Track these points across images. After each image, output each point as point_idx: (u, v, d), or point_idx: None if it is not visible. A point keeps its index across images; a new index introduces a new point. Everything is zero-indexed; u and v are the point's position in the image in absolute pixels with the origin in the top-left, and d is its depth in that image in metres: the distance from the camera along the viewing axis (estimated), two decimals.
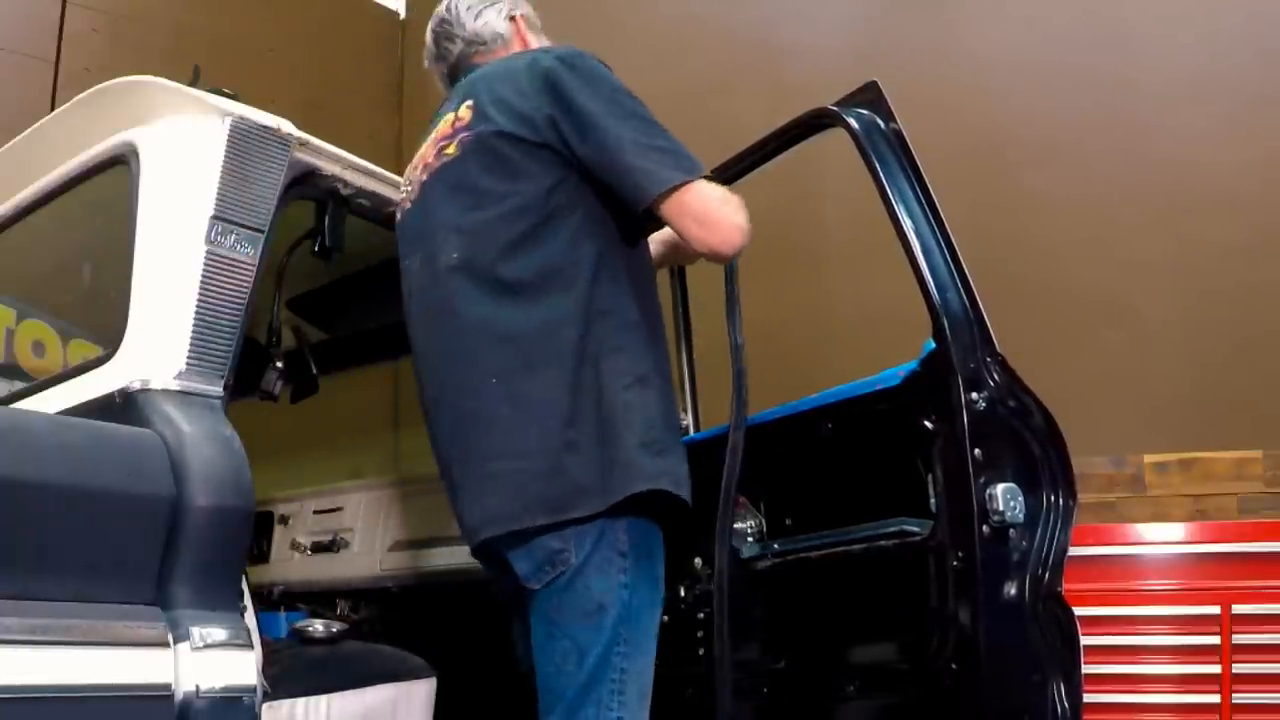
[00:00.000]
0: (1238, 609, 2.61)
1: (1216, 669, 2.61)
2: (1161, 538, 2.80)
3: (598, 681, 1.55)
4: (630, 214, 1.65)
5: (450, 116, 1.76)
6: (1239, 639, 2.60)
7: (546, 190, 1.63)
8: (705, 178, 1.61)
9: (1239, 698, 2.59)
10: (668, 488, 1.58)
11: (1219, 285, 3.20)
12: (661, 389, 1.64)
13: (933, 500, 1.69)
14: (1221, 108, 3.29)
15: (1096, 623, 2.60)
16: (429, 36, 1.97)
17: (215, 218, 1.64)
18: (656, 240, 2.03)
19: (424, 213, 1.74)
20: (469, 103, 1.72)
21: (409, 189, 1.81)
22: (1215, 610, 2.63)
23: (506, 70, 1.72)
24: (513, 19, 1.92)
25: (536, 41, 1.93)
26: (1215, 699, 2.61)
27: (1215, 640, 2.62)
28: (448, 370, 1.67)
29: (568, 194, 1.63)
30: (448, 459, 1.68)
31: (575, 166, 1.63)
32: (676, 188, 1.58)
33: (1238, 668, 2.60)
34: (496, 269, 1.62)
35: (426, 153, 1.78)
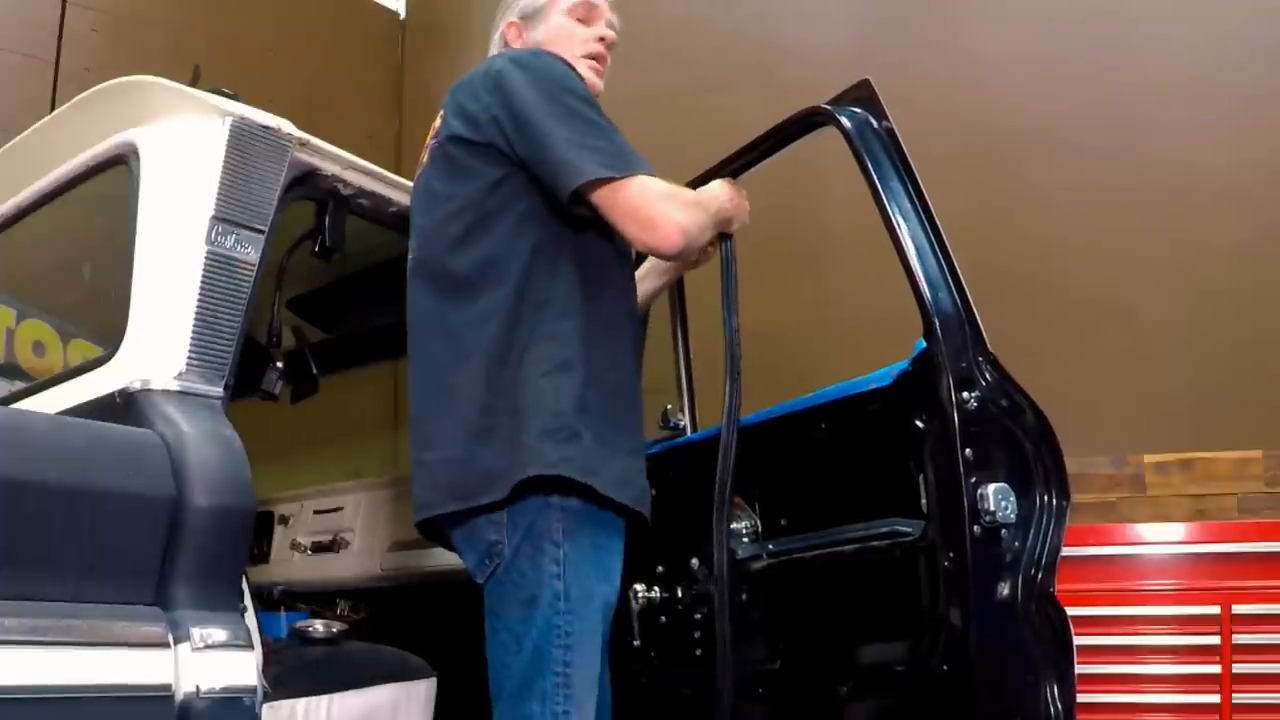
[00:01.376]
0: (1238, 609, 2.61)
1: (1216, 669, 2.61)
2: (1161, 538, 2.80)
3: (538, 674, 1.56)
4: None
5: (433, 127, 1.80)
6: (1239, 639, 2.60)
7: (489, 187, 1.65)
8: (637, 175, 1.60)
9: (1239, 698, 2.58)
10: (572, 475, 1.56)
11: (1219, 285, 3.20)
12: (590, 379, 1.62)
13: (924, 500, 1.69)
14: (1222, 107, 3.29)
15: (1096, 623, 2.60)
16: None
17: (215, 218, 1.65)
18: (651, 270, 2.07)
19: (411, 214, 1.81)
20: (442, 113, 1.77)
21: None
22: (1215, 610, 2.62)
23: (468, 78, 1.75)
24: (509, 26, 1.91)
25: (529, 33, 1.89)
26: (1215, 699, 2.60)
27: (1215, 640, 2.62)
28: (410, 366, 1.73)
29: (510, 190, 1.65)
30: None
31: (518, 163, 1.65)
32: (605, 181, 1.58)
33: (1238, 668, 2.59)
34: (443, 263, 1.67)
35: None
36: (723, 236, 1.88)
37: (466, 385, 1.61)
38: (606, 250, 1.71)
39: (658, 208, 1.60)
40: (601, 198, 1.60)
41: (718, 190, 1.83)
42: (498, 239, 1.64)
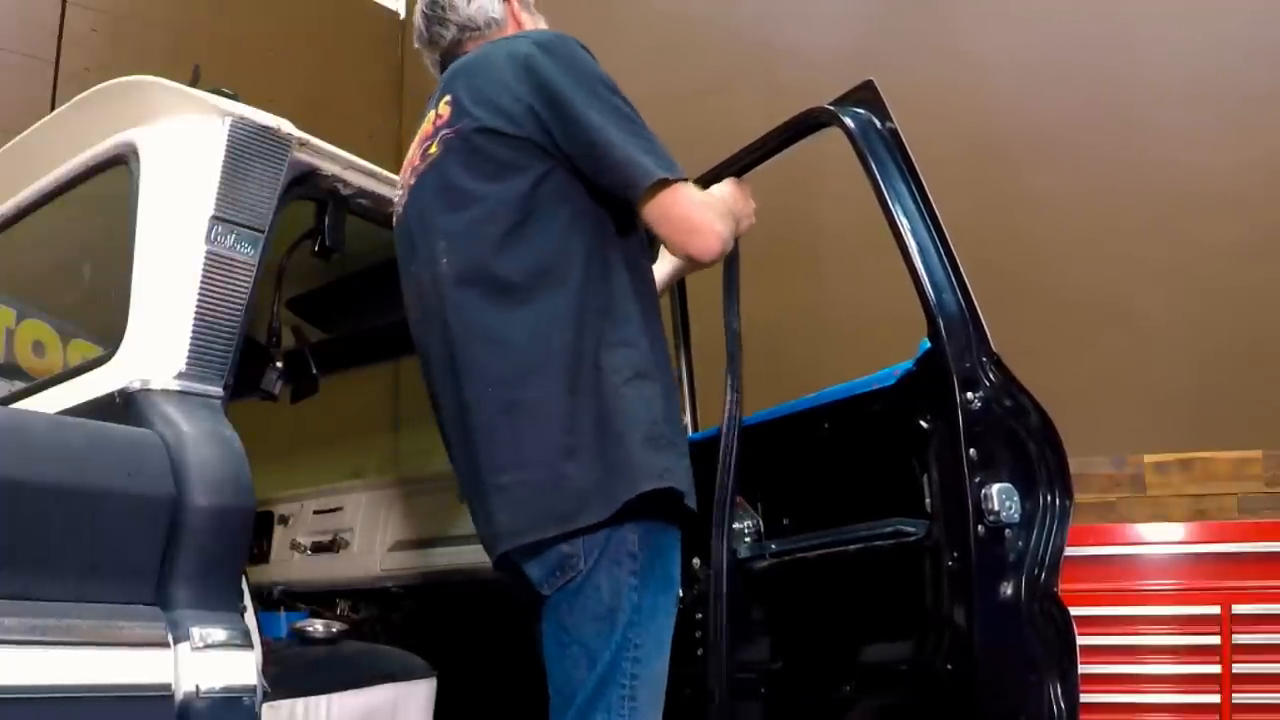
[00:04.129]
0: (1238, 609, 2.61)
1: (1216, 669, 2.61)
2: (1161, 538, 2.80)
3: (607, 687, 1.53)
4: (620, 206, 1.61)
5: (431, 114, 1.71)
6: (1239, 639, 2.61)
7: (531, 185, 1.57)
8: (683, 180, 1.58)
9: (1239, 698, 2.59)
10: (673, 484, 1.53)
11: (1219, 285, 3.20)
12: (663, 383, 1.59)
13: (928, 500, 1.69)
14: (1221, 108, 3.29)
15: (1097, 623, 2.61)
16: (419, 19, 1.87)
17: (215, 218, 1.64)
18: (665, 262, 2.02)
19: (417, 216, 1.71)
20: (448, 98, 1.67)
21: (401, 192, 1.78)
22: (1215, 610, 2.63)
23: (484, 61, 1.67)
24: (506, 1, 1.83)
25: (531, 21, 1.86)
26: (1215, 699, 2.61)
27: (1215, 640, 2.62)
28: (449, 380, 1.63)
29: (554, 188, 1.58)
30: (458, 471, 1.66)
31: (559, 159, 1.58)
32: (657, 188, 1.55)
33: (1238, 668, 2.60)
34: (489, 267, 1.58)
35: (414, 154, 1.75)
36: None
37: (541, 401, 1.53)
38: (640, 248, 1.68)
39: (701, 215, 1.57)
40: (650, 205, 1.56)
41: (727, 193, 1.80)
42: (548, 242, 1.57)
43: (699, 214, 1.58)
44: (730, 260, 1.89)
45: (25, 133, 1.96)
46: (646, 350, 1.59)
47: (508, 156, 1.59)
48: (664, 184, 1.55)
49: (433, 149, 1.68)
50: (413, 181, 1.72)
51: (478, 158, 1.61)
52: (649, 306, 1.66)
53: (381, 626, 2.86)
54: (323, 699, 2.03)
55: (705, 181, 1.96)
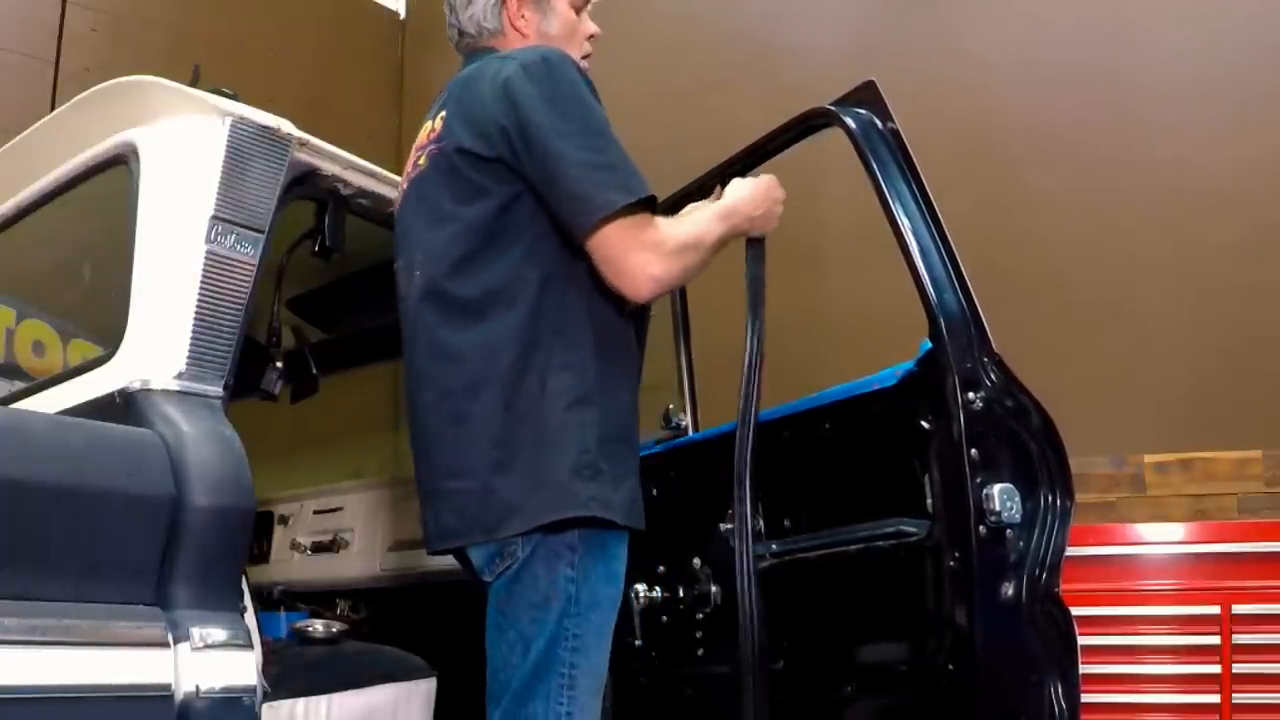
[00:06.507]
0: (1238, 609, 2.62)
1: (1216, 669, 2.61)
2: (1161, 538, 2.80)
3: (544, 675, 1.56)
4: None
5: (428, 125, 1.75)
6: (1239, 639, 2.61)
7: (500, 208, 1.61)
8: (648, 211, 1.58)
9: (1239, 698, 2.59)
10: (596, 513, 1.57)
11: (1219, 285, 3.20)
12: (607, 409, 1.61)
13: (929, 501, 1.69)
14: (1222, 107, 3.29)
15: (1097, 623, 2.61)
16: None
17: (215, 218, 1.64)
18: None
19: (406, 222, 1.76)
20: (442, 113, 1.71)
21: (399, 193, 1.82)
22: (1215, 610, 2.63)
23: (476, 78, 1.69)
24: (504, 5, 1.80)
25: (538, 19, 1.81)
26: (1215, 699, 2.61)
27: (1215, 640, 2.62)
28: (414, 384, 1.70)
29: (521, 211, 1.61)
30: (415, 466, 1.73)
31: (527, 181, 1.61)
32: (601, 224, 1.55)
33: (1238, 668, 2.60)
34: (446, 286, 1.63)
35: (411, 160, 1.79)
36: (750, 241, 1.84)
37: (482, 414, 1.59)
38: None
39: (636, 258, 1.57)
40: (594, 238, 1.57)
41: (741, 201, 1.76)
42: (507, 266, 1.61)
43: (633, 257, 1.57)
44: (750, 267, 1.85)
45: (25, 133, 1.96)
46: (594, 375, 1.61)
47: (480, 180, 1.63)
48: (609, 219, 1.55)
49: (423, 161, 1.73)
50: (407, 186, 1.77)
51: (454, 177, 1.65)
52: (608, 330, 1.66)
53: (381, 626, 2.86)
54: (323, 699, 2.03)
55: (710, 178, 1.96)
